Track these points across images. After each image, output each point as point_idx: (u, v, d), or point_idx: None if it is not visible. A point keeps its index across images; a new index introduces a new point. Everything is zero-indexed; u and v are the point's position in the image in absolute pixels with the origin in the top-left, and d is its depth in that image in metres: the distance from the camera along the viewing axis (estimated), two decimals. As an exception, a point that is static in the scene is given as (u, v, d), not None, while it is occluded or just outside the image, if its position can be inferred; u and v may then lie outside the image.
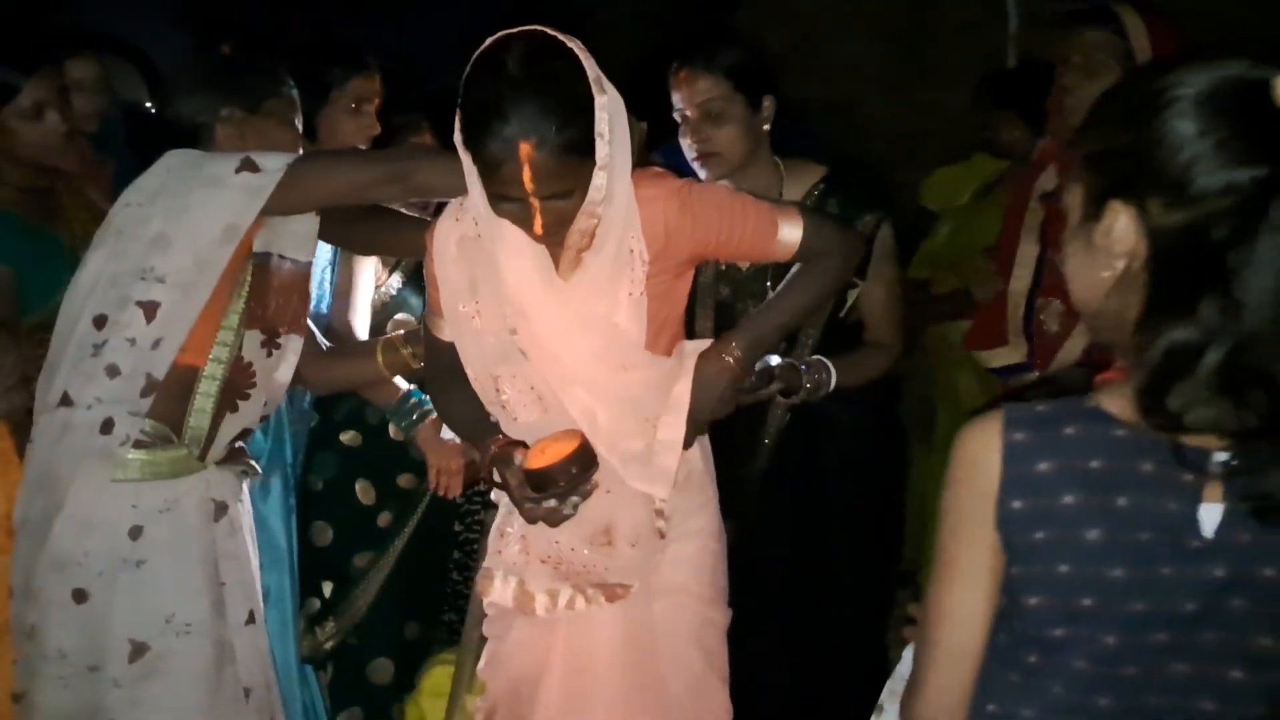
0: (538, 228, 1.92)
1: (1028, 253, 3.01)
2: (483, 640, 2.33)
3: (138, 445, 2.28)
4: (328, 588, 3.05)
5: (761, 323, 2.25)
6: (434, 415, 2.81)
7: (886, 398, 3.04)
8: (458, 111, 1.91)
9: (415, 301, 3.10)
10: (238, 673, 2.37)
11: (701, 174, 2.75)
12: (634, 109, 2.83)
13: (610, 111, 1.92)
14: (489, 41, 1.91)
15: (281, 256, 2.39)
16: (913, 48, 5.50)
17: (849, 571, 2.87)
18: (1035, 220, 3.02)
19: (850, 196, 2.79)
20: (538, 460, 2.01)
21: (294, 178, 2.26)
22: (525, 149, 1.82)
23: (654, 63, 2.80)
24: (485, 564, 2.23)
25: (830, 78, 5.37)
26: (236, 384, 2.36)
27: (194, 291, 2.27)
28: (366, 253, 2.90)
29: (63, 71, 2.83)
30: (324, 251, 2.89)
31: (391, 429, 2.97)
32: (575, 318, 2.03)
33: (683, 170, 2.81)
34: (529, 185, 1.85)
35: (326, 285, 2.94)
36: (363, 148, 3.03)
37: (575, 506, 2.05)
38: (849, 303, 2.82)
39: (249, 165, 2.26)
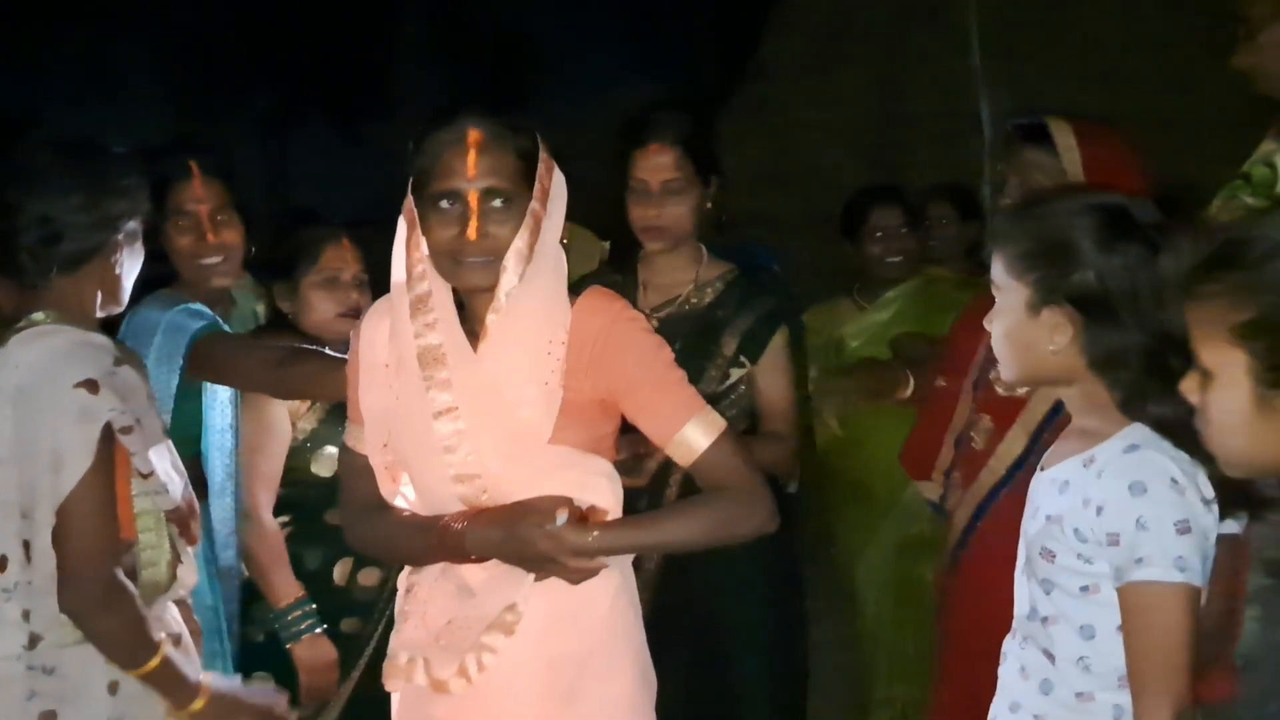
0: (472, 230, 1.93)
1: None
2: None
3: None
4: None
5: (627, 535, 2.01)
6: (319, 630, 2.83)
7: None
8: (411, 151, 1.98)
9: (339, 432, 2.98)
10: None
11: (646, 245, 2.84)
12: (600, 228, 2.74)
13: (552, 182, 2.01)
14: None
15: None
16: (889, 161, 5.49)
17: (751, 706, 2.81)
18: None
19: (751, 293, 2.86)
20: None
21: None
22: (473, 134, 1.94)
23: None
24: (390, 654, 2.07)
25: (810, 191, 5.36)
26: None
27: None
28: (294, 397, 2.81)
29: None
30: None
31: None
32: (485, 388, 1.98)
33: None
34: (471, 170, 1.93)
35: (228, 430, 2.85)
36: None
37: None
38: (730, 379, 2.80)
39: (90, 385, 2.07)
